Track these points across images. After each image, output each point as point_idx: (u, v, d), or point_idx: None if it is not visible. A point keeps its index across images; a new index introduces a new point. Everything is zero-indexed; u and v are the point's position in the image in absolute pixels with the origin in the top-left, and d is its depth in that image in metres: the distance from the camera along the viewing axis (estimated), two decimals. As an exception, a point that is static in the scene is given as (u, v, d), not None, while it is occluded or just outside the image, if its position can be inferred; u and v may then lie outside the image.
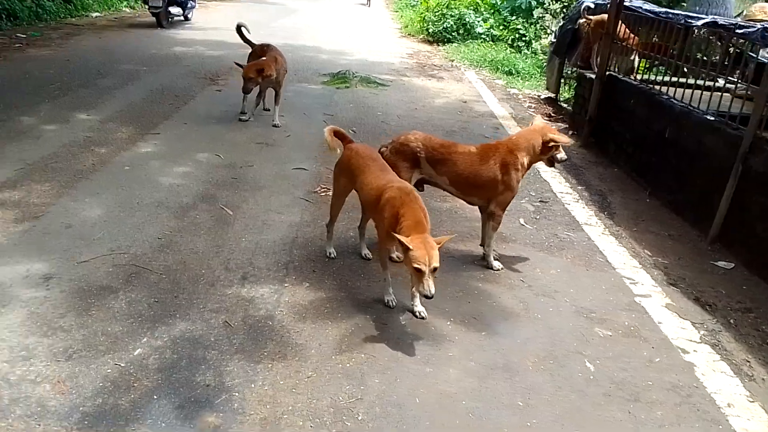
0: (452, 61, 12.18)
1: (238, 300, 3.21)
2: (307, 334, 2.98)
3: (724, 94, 5.58)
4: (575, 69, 8.99)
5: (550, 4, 14.02)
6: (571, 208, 5.02)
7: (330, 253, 3.77)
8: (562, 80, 9.69)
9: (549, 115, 8.73)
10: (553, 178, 5.70)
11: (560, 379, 2.83)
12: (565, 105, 9.47)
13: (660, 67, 7.24)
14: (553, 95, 9.74)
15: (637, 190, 5.67)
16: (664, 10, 8.21)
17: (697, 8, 8.83)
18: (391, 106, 7.90)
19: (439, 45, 14.13)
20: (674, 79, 6.16)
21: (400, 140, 3.75)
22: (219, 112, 6.42)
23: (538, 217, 4.78)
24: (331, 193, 3.70)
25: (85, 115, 6.07)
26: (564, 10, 13.23)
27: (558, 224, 4.66)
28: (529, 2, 14.29)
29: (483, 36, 13.83)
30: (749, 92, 6.16)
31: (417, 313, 3.20)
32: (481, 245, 3.98)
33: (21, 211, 3.94)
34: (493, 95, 9.42)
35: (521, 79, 10.92)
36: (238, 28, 6.71)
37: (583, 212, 4.96)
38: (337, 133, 3.58)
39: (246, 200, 4.49)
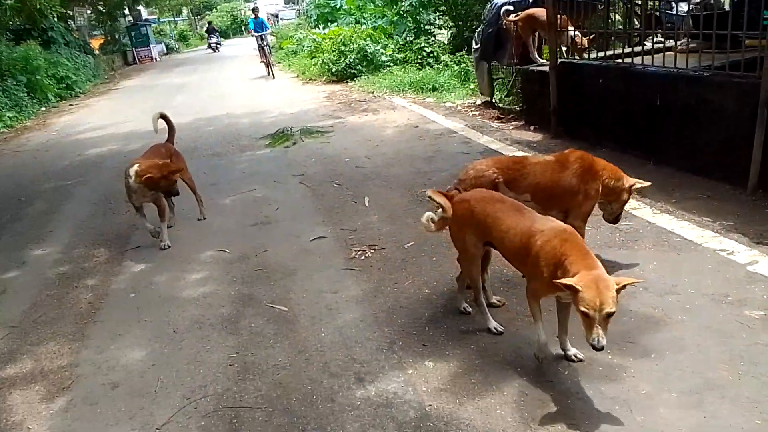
0: (372, 92, 12.00)
1: (375, 408, 2.67)
2: (479, 422, 2.49)
3: (668, 52, 5.77)
4: (512, 67, 9.05)
5: (437, 21, 14.38)
6: (604, 197, 4.84)
7: (495, 329, 3.12)
8: (494, 82, 9.77)
9: (498, 117, 8.69)
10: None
11: (766, 378, 2.54)
12: (501, 105, 9.52)
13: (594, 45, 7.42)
14: (488, 99, 9.76)
15: (639, 163, 5.59)
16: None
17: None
18: (351, 150, 7.50)
19: (348, 82, 13.94)
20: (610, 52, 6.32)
21: (472, 174, 3.39)
22: (186, 205, 5.71)
23: (583, 216, 4.54)
24: (458, 256, 3.22)
25: (39, 251, 5.19)
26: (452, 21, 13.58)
27: (607, 217, 4.45)
28: (417, 25, 14.60)
29: (388, 63, 13.82)
30: (693, 46, 6.38)
31: (573, 357, 2.81)
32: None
33: (44, 385, 3.16)
34: (436, 113, 9.29)
35: (447, 92, 10.91)
36: (163, 117, 5.65)
37: (618, 198, 4.78)
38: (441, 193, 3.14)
39: (290, 290, 3.91)
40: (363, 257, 4.27)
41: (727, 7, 7.80)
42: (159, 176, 4.59)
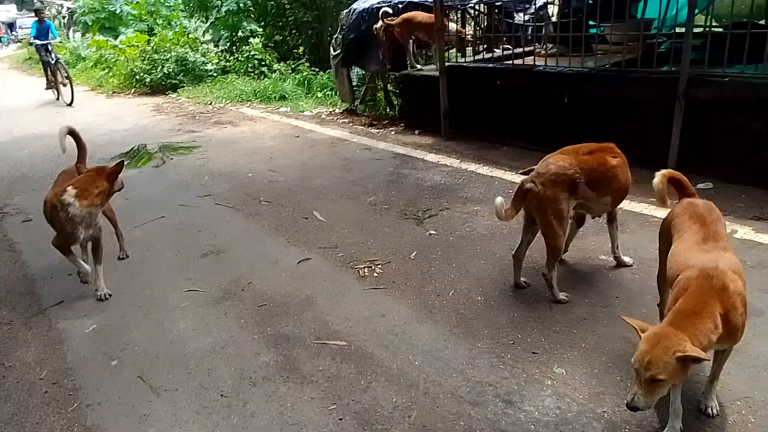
0: (210, 104, 11.05)
1: (557, 427, 2.43)
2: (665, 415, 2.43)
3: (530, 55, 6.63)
4: (378, 73, 9.08)
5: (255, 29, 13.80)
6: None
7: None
8: (355, 88, 9.72)
9: (371, 124, 8.66)
10: (491, 173, 5.74)
11: None
12: (367, 113, 9.51)
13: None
14: (350, 105, 9.69)
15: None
16: None
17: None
18: (245, 165, 6.80)
19: (167, 93, 12.62)
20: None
21: (552, 170, 3.25)
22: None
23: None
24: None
25: None
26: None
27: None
28: (232, 32, 13.88)
29: (213, 72, 12.88)
30: (553, 49, 7.13)
31: (709, 409, 2.44)
32: (613, 252, 3.76)
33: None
34: (307, 122, 8.94)
35: (296, 100, 10.56)
36: (71, 133, 4.50)
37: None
38: (674, 182, 2.74)
39: (326, 321, 3.37)
40: (375, 275, 3.89)
41: (554, 18, 8.95)
42: (107, 187, 3.69)
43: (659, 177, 2.73)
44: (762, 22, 6.52)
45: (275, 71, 12.21)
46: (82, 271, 3.82)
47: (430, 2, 8.28)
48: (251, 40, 14.32)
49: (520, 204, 3.33)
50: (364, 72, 9.40)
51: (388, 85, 9.60)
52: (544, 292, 3.44)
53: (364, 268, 3.97)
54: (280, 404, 2.71)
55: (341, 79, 9.51)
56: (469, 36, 7.44)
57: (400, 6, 8.23)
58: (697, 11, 9.15)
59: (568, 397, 2.60)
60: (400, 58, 8.38)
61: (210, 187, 6.06)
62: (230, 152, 7.45)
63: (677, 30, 6.05)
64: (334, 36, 9.36)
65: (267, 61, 12.48)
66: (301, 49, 13.01)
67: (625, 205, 4.55)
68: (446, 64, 7.22)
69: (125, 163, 4.79)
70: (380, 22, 8.05)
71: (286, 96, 10.65)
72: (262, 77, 12.10)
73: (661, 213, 4.33)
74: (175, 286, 3.94)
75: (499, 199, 3.25)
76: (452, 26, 7.39)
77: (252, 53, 12.53)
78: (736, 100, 4.78)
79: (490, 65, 7.03)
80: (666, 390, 2.15)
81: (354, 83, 9.77)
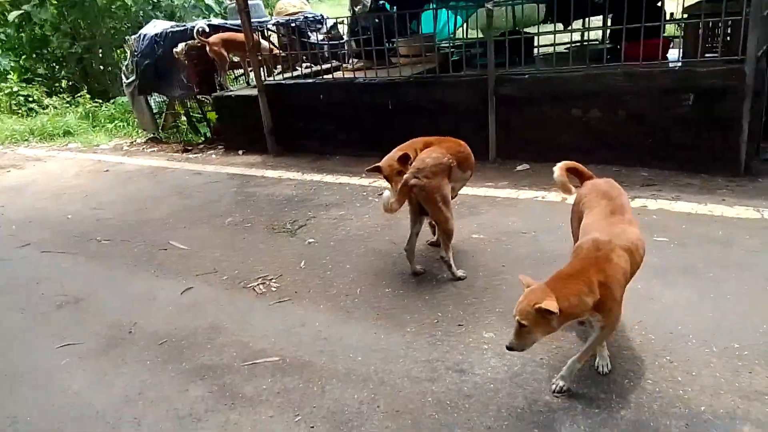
0: (-29, 148, 9.39)
1: (512, 379, 2.67)
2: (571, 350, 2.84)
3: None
4: (180, 99, 8.65)
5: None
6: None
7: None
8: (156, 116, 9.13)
9: (185, 149, 8.24)
10: (337, 180, 5.93)
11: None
12: (166, 139, 9.06)
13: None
14: (154, 134, 9.09)
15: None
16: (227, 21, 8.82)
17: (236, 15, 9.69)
18: (54, 207, 5.99)
19: None
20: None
21: (430, 163, 3.51)
22: None
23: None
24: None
25: None
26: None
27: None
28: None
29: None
30: (362, 63, 7.65)
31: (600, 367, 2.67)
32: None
33: None
34: (112, 156, 8.16)
35: (85, 135, 9.57)
36: None
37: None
38: (572, 170, 2.90)
39: (244, 344, 3.18)
40: (272, 289, 3.78)
41: (346, 37, 9.48)
42: None
43: (558, 170, 2.87)
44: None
45: (47, 107, 10.85)
46: None
47: (231, 24, 8.23)
48: (9, 75, 12.54)
49: (403, 198, 3.54)
50: (166, 98, 8.88)
51: (189, 110, 9.25)
52: (441, 273, 3.71)
53: (259, 285, 3.83)
54: (239, 430, 2.52)
55: (139, 107, 8.90)
56: (281, 54, 7.51)
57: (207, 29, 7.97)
58: (460, 22, 10.49)
59: (508, 354, 2.86)
60: (205, 81, 8.11)
61: (24, 236, 5.21)
62: (28, 197, 6.47)
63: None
64: (125, 63, 8.69)
65: (35, 97, 11.02)
66: (64, 82, 11.85)
67: (471, 192, 5.10)
68: (264, 82, 7.22)
69: None
70: (181, 46, 7.70)
71: (72, 131, 9.54)
72: (33, 114, 10.65)
73: (502, 193, 4.97)
74: (40, 345, 3.36)
75: (386, 193, 3.46)
76: (265, 44, 7.41)
77: (14, 89, 10.92)
78: (536, 94, 5.65)
79: (310, 80, 7.19)
80: (536, 336, 2.32)
81: (155, 110, 9.18)
